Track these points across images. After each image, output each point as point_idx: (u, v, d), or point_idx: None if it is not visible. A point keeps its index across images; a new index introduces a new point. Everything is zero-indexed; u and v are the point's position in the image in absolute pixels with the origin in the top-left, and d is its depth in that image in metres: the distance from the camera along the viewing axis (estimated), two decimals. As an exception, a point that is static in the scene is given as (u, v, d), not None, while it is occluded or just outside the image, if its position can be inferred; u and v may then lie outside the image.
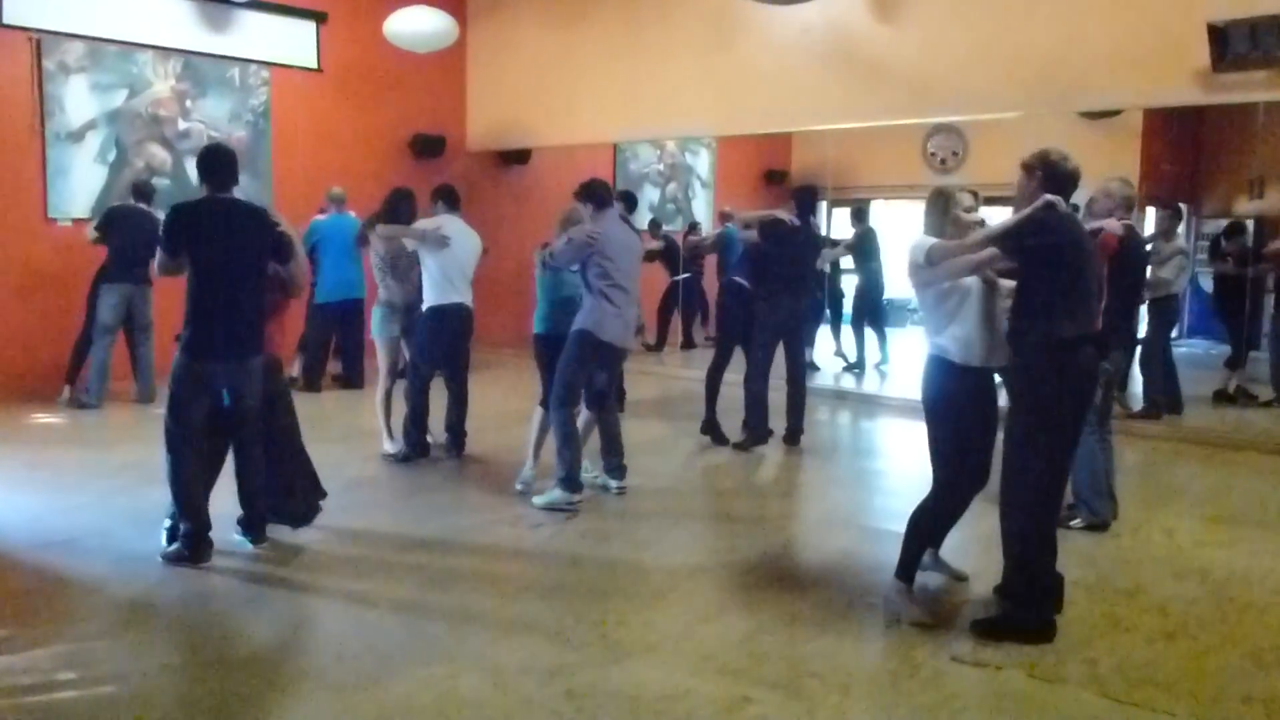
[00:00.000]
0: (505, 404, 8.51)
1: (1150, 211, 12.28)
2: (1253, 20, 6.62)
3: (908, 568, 4.07)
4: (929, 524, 4.14)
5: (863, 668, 3.60)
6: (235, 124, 9.42)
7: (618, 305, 5.51)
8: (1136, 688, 3.46)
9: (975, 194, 4.14)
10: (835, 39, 8.94)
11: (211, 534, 4.56)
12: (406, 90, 11.09)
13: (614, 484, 5.80)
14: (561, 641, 3.78)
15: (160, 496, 5.10)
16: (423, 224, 6.45)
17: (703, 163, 14.73)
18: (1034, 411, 3.82)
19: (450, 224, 6.45)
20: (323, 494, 5.05)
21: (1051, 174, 3.88)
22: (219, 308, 4.51)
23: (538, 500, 5.48)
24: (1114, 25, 7.36)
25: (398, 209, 6.51)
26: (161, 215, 4.84)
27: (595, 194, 5.64)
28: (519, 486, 5.72)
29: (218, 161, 4.61)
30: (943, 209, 4.12)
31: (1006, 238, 3.84)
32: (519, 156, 12.07)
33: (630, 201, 8.14)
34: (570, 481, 5.43)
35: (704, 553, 4.87)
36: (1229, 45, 6.73)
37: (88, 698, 3.32)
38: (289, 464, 4.90)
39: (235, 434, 4.66)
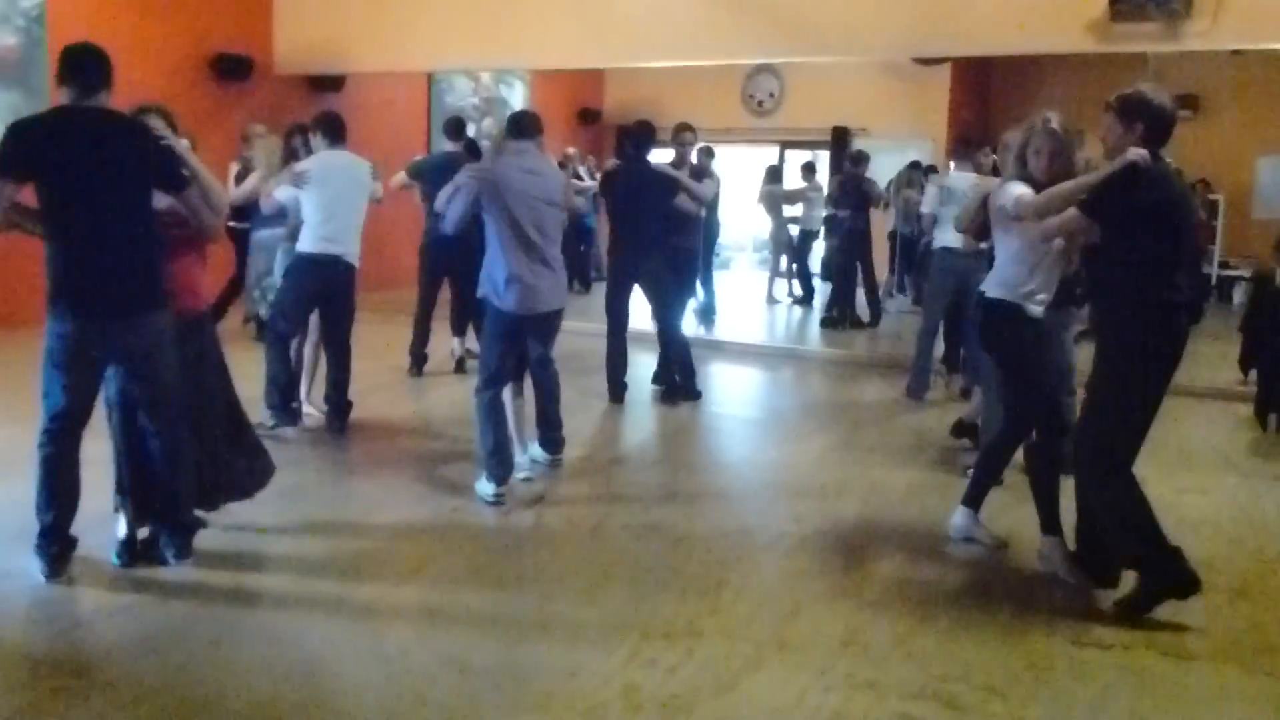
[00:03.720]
0: (361, 363, 7.52)
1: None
2: (1154, -30, 6.72)
3: (1052, 520, 3.90)
4: (1050, 469, 3.92)
5: (994, 663, 3.21)
6: (3, 29, 7.64)
7: (522, 263, 4.59)
8: (1263, 655, 3.32)
9: (1071, 131, 3.77)
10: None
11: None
12: (206, 2, 9.52)
13: (545, 457, 5.10)
14: (646, 662, 3.15)
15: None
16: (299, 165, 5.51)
17: (516, 96, 13.82)
18: (1122, 377, 3.51)
19: (329, 160, 5.47)
20: (273, 466, 4.20)
21: (1154, 124, 3.44)
22: (90, 249, 3.43)
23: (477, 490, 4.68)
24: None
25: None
26: None
27: (513, 122, 4.83)
28: (519, 475, 4.82)
29: (84, 59, 3.49)
30: (1020, 143, 3.78)
31: (1086, 201, 3.49)
32: (332, 83, 10.75)
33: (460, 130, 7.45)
34: (490, 472, 4.61)
35: (722, 533, 4.32)
36: (1129, -5, 6.82)
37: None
38: (229, 431, 3.99)
39: (151, 417, 3.62)
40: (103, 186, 3.42)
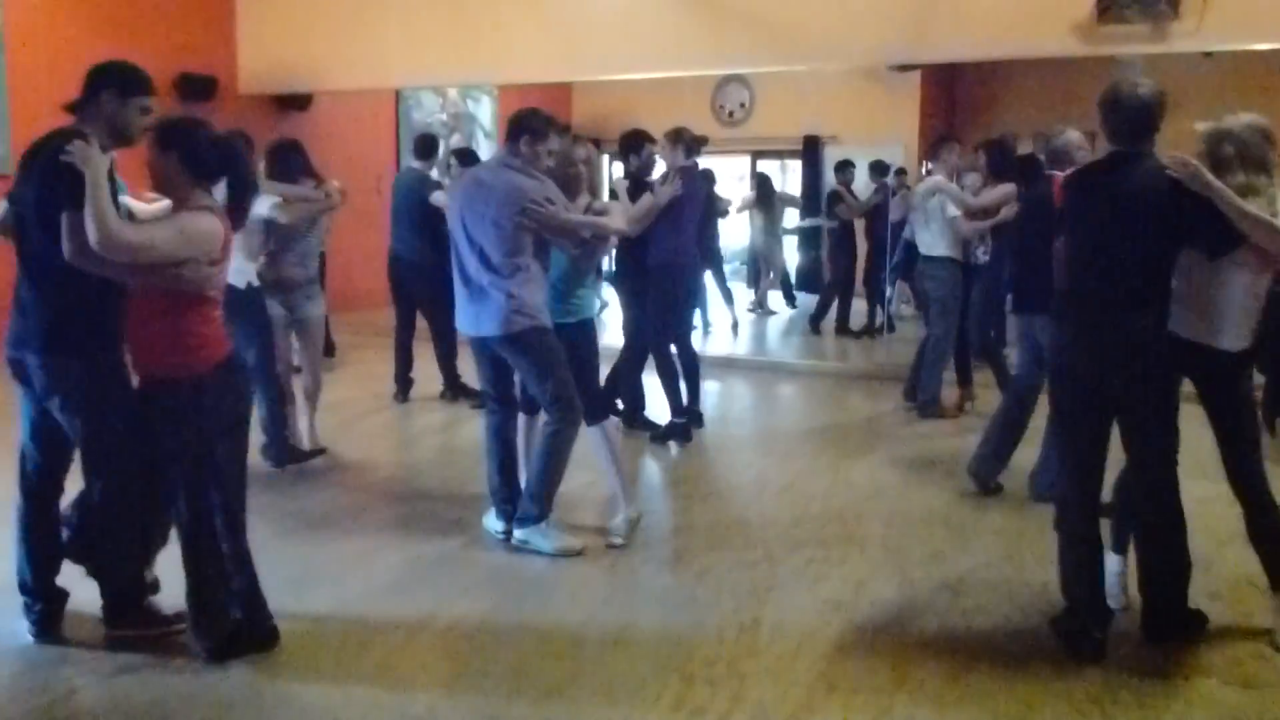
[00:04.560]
0: (345, 391, 7.28)
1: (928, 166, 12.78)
2: (1140, -29, 6.67)
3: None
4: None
5: (1057, 699, 3.05)
6: (-44, 52, 7.32)
7: (455, 279, 4.23)
8: (1327, 681, 3.20)
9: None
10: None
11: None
12: (169, 21, 9.24)
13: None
14: (694, 712, 2.96)
15: None
16: None
17: (485, 111, 13.60)
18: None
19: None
20: (268, 624, 3.30)
21: (1107, 115, 3.28)
22: (16, 277, 3.19)
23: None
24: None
25: (288, 163, 5.26)
26: None
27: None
28: (617, 541, 4.32)
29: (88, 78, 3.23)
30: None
31: None
32: (298, 101, 10.48)
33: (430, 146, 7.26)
34: (496, 508, 4.39)
35: (748, 564, 4.14)
36: (1115, -4, 6.76)
37: None
38: (199, 553, 3.15)
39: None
40: (22, 213, 3.12)
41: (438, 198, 6.84)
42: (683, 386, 6.12)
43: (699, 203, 6.27)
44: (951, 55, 8.35)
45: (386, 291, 7.28)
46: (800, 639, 3.44)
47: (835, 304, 10.41)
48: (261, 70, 10.01)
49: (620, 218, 4.41)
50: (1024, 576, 3.99)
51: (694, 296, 6.57)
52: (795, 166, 14.48)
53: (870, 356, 9.33)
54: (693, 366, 6.26)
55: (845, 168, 10.70)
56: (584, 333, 4.48)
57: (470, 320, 4.21)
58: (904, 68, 11.50)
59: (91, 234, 2.87)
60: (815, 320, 10.47)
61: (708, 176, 9.94)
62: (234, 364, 3.20)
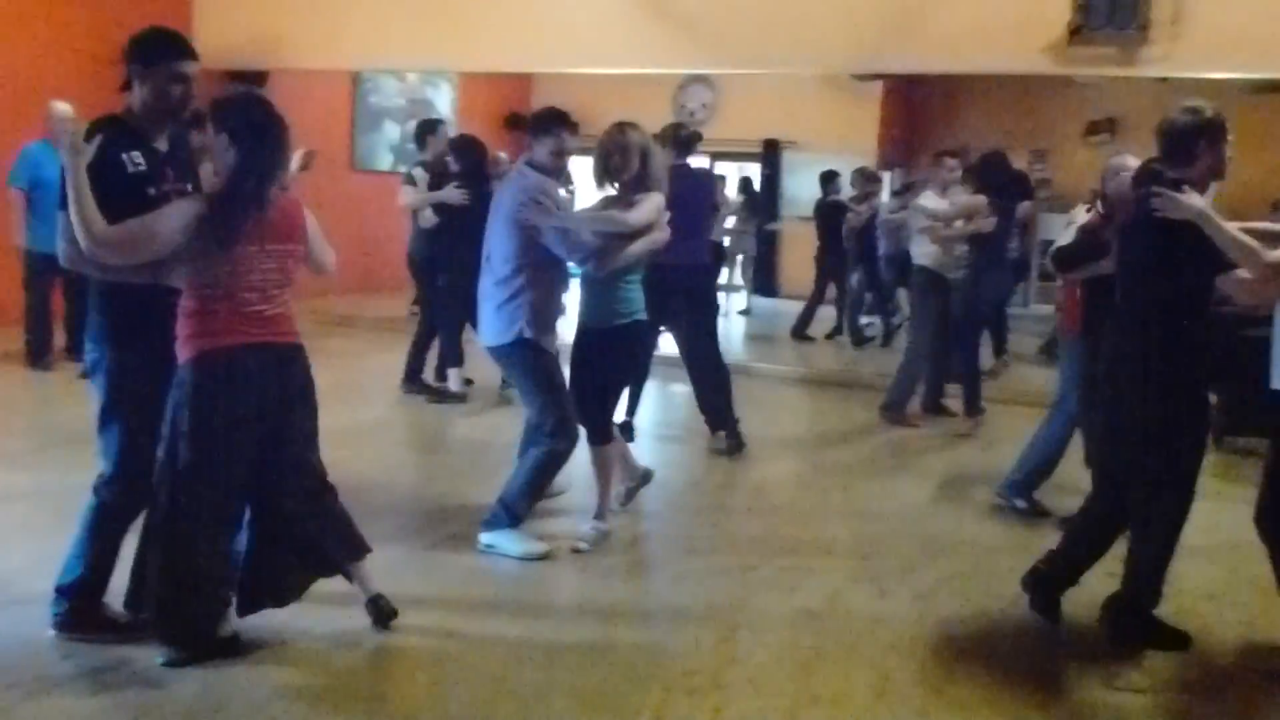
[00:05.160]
0: (345, 375, 7.08)
1: (888, 176, 12.86)
2: (1113, -7, 6.75)
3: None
4: None
5: (1040, 712, 3.06)
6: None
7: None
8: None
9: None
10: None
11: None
12: (120, -15, 8.95)
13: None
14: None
15: None
16: None
17: (444, 98, 13.39)
18: None
19: None
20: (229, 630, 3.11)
21: (1157, 140, 3.47)
22: None
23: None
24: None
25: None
26: None
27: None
28: (583, 546, 4.16)
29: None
30: None
31: None
32: (254, 78, 10.20)
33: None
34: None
35: (721, 570, 4.09)
36: (1090, 17, 6.84)
37: None
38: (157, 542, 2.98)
39: None
40: None
41: (405, 194, 6.70)
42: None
43: (693, 201, 5.81)
44: (923, 67, 8.39)
45: (347, 280, 7.16)
46: (779, 649, 3.39)
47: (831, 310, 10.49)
48: (218, 44, 9.68)
49: (644, 210, 3.95)
50: (996, 589, 3.98)
51: (713, 302, 6.25)
52: (752, 169, 14.49)
53: (840, 363, 9.32)
54: (723, 379, 5.92)
55: (832, 178, 10.43)
56: (616, 342, 4.14)
57: (479, 327, 4.15)
58: (867, 77, 11.56)
59: (78, 237, 2.73)
60: (852, 331, 10.32)
61: (709, 176, 9.88)
62: (228, 363, 2.96)
